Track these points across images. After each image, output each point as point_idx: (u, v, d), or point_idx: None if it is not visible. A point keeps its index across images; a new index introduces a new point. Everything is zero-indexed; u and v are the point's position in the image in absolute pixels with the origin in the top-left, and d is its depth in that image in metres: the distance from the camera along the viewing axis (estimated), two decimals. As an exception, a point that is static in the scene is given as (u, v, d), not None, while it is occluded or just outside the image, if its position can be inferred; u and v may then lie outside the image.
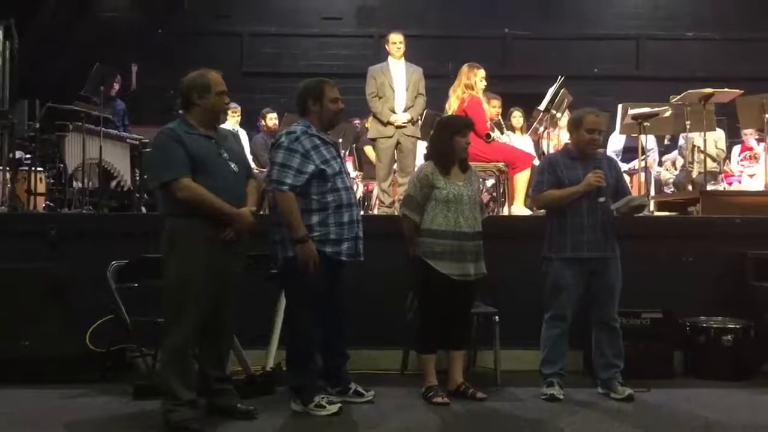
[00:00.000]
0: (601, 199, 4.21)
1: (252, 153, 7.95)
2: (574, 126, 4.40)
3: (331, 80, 4.09)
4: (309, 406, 3.84)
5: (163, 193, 3.67)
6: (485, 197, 6.60)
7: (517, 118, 8.14)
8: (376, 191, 7.23)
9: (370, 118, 6.91)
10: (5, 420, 3.79)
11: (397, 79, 6.63)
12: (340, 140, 6.85)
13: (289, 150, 3.85)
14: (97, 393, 4.30)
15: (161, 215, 3.74)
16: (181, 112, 3.86)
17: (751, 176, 8.05)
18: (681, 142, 8.25)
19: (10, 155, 6.44)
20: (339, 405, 3.89)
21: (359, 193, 7.90)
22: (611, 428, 3.75)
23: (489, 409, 4.09)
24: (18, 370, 4.45)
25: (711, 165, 7.49)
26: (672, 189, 8.12)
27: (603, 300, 4.29)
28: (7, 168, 6.37)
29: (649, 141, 7.91)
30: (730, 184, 7.91)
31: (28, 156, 6.97)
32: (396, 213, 5.60)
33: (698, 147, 7.26)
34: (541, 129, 7.37)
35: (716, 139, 7.86)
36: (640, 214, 4.88)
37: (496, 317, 4.60)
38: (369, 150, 7.80)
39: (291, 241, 3.81)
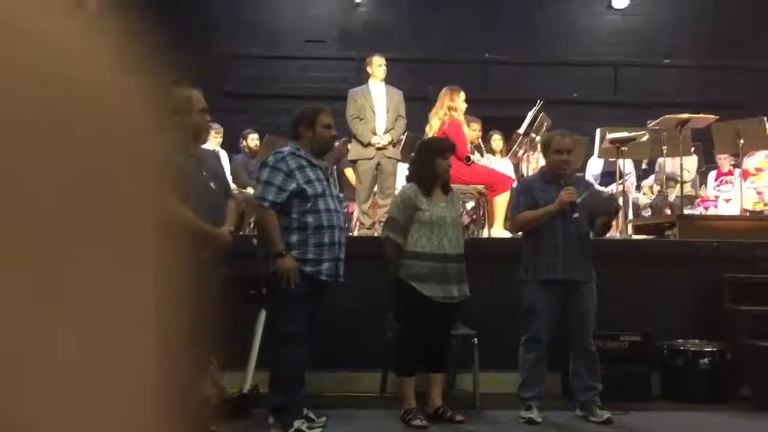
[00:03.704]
0: (576, 215, 4.22)
1: (232, 173, 7.91)
2: (544, 149, 4.46)
3: (327, 107, 4.16)
4: (288, 431, 3.79)
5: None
6: (465, 219, 6.62)
7: (496, 141, 8.19)
8: (356, 213, 7.22)
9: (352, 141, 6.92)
10: None
11: (378, 102, 6.66)
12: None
13: (274, 168, 3.90)
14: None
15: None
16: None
17: (727, 201, 8.16)
18: (657, 167, 8.36)
19: None
20: (320, 429, 3.85)
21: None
22: (589, 451, 3.75)
23: None
24: None
25: (687, 189, 7.58)
26: (649, 213, 8.20)
27: (578, 322, 4.29)
28: None
29: (627, 165, 7.99)
30: (706, 208, 8.00)
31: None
32: (376, 234, 5.60)
33: (666, 174, 7.37)
34: (521, 152, 7.43)
35: (684, 162, 7.95)
36: (619, 237, 4.91)
37: (475, 339, 4.60)
38: (349, 172, 7.80)
39: (272, 256, 3.82)
